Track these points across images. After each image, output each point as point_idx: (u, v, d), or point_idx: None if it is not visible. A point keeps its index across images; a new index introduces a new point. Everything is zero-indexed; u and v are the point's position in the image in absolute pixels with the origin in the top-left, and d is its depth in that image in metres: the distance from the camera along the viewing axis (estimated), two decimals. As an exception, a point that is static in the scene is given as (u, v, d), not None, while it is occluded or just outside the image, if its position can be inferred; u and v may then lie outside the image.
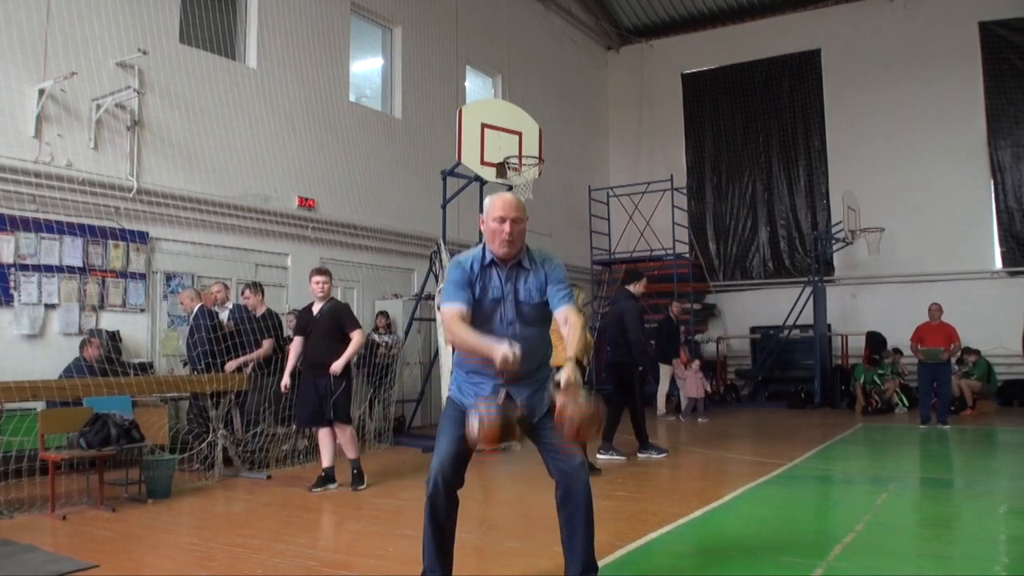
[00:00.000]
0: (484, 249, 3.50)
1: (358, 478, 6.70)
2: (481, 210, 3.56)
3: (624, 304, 8.28)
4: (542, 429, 3.48)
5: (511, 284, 3.45)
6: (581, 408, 3.15)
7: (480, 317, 3.44)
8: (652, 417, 10.80)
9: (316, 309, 6.88)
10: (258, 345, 7.91)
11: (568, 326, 3.40)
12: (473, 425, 3.18)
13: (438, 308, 9.31)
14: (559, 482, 3.46)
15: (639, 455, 8.13)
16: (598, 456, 8.00)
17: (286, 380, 7.02)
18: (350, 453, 6.77)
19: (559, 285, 3.47)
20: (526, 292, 3.46)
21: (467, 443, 3.34)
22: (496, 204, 3.42)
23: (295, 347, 6.96)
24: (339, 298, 11.14)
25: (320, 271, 6.97)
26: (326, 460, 6.76)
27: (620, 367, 8.16)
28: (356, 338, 6.76)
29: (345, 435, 6.76)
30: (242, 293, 8.39)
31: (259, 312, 8.12)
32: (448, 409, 3.55)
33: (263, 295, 8.33)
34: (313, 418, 6.77)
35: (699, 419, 12.32)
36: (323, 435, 6.79)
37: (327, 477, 6.73)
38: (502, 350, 3.16)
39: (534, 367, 3.50)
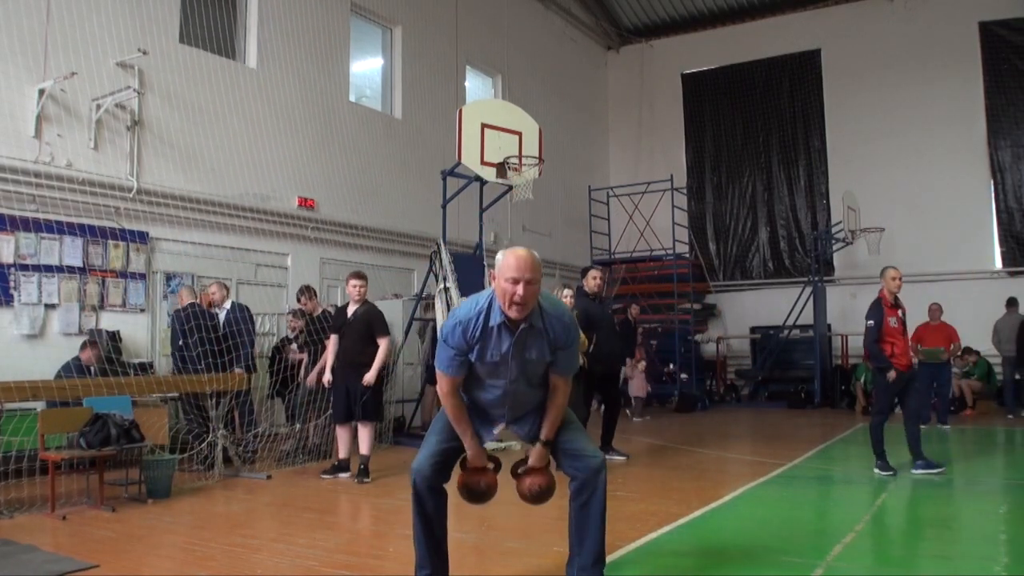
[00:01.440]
0: (492, 306, 3.29)
1: (364, 472, 6.96)
2: (490, 265, 3.53)
3: (580, 303, 7.83)
4: (556, 441, 3.54)
5: (518, 348, 3.32)
6: (540, 483, 3.52)
7: (481, 373, 3.41)
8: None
9: (351, 311, 7.20)
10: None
11: (552, 401, 3.48)
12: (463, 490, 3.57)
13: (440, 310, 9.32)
14: (576, 476, 3.47)
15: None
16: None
17: (327, 376, 7.27)
18: (364, 449, 7.06)
19: (567, 351, 3.41)
20: (535, 352, 3.36)
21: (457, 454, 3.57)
22: (510, 263, 3.17)
23: (332, 344, 7.30)
24: (340, 298, 11.20)
25: (357, 275, 7.28)
26: (343, 452, 7.19)
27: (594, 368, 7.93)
28: (383, 345, 7.10)
29: (365, 432, 7.06)
30: (298, 300, 8.70)
31: (316, 313, 8.37)
32: (441, 417, 3.57)
33: (316, 297, 8.68)
34: (342, 415, 7.12)
35: (634, 418, 12.47)
36: (345, 430, 7.16)
37: (340, 466, 7.13)
38: (478, 461, 3.49)
39: (533, 410, 3.59)
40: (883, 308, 7.15)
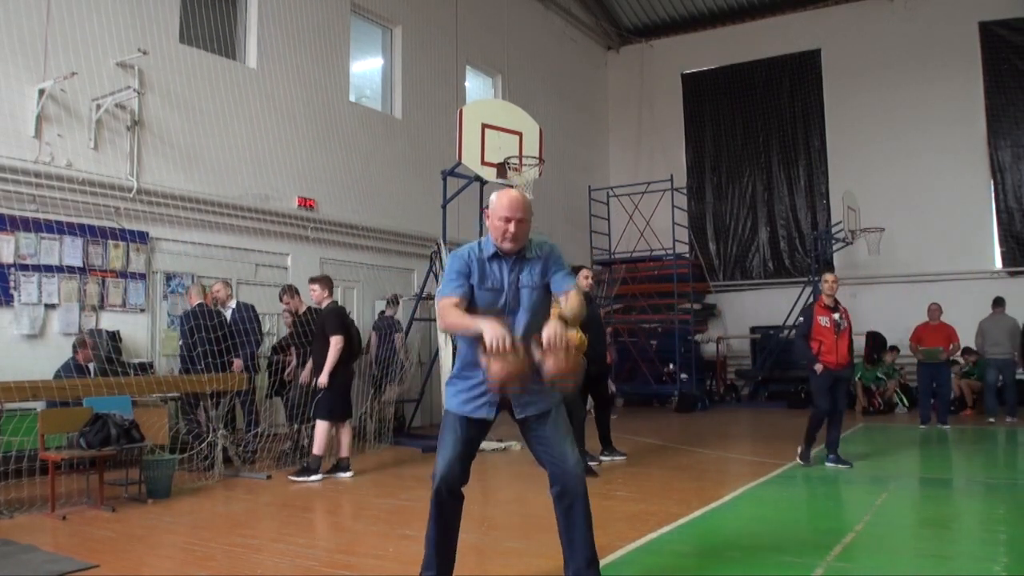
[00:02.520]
0: (486, 241, 3.54)
1: (304, 471, 7.13)
2: (484, 205, 3.56)
3: None
4: (539, 427, 3.48)
5: (514, 274, 3.49)
6: (560, 362, 3.20)
7: (480, 306, 3.46)
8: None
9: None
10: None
11: (566, 298, 3.48)
12: (493, 368, 3.15)
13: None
14: (555, 478, 3.46)
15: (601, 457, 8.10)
16: (600, 459, 8.00)
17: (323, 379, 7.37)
18: (314, 448, 7.23)
19: (561, 269, 3.55)
20: (528, 277, 3.50)
21: (472, 444, 3.45)
22: (502, 203, 3.43)
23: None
24: (340, 298, 11.21)
25: (312, 279, 7.62)
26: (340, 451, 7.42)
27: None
28: (332, 343, 7.20)
29: (316, 431, 7.26)
30: (280, 299, 8.73)
31: (301, 311, 8.40)
32: (447, 419, 3.54)
33: (298, 295, 8.70)
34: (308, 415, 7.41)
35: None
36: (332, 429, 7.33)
37: (307, 467, 7.24)
38: (492, 331, 3.13)
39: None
40: (815, 309, 7.84)
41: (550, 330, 3.23)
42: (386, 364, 9.77)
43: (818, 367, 7.55)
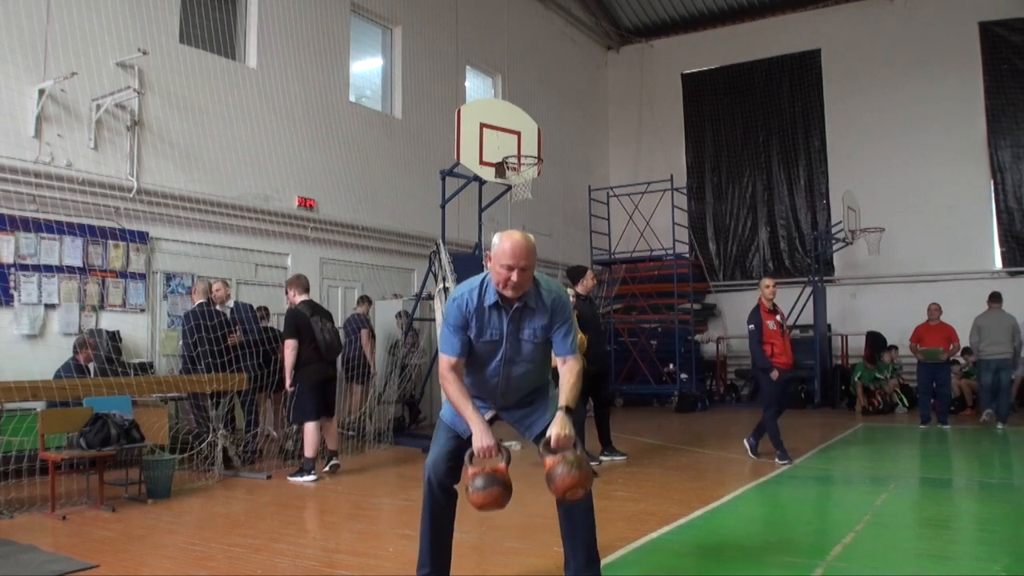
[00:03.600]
0: (487, 286, 3.32)
1: (300, 472, 7.16)
2: (486, 248, 3.27)
3: (578, 307, 7.97)
4: (543, 436, 3.47)
5: (514, 325, 3.33)
6: (571, 473, 3.07)
7: (476, 355, 3.39)
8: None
9: None
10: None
11: (565, 370, 3.36)
12: (475, 496, 3.14)
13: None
14: None
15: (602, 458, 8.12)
16: (600, 459, 8.00)
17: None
18: (304, 449, 7.30)
19: (565, 324, 3.39)
20: (530, 332, 3.35)
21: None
22: (505, 250, 3.18)
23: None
24: (340, 298, 11.22)
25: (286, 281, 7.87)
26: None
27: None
28: (284, 347, 7.37)
29: (303, 433, 7.36)
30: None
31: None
32: (442, 422, 3.56)
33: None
34: None
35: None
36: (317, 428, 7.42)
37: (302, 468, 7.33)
38: (484, 441, 3.18)
39: (525, 397, 3.53)
40: (761, 313, 7.97)
41: (558, 428, 3.14)
42: (352, 363, 9.74)
43: (774, 373, 7.83)
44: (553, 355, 3.49)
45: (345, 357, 9.63)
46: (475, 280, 3.39)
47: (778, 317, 8.08)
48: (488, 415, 3.49)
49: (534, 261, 3.25)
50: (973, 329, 11.15)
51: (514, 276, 3.19)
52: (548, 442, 3.17)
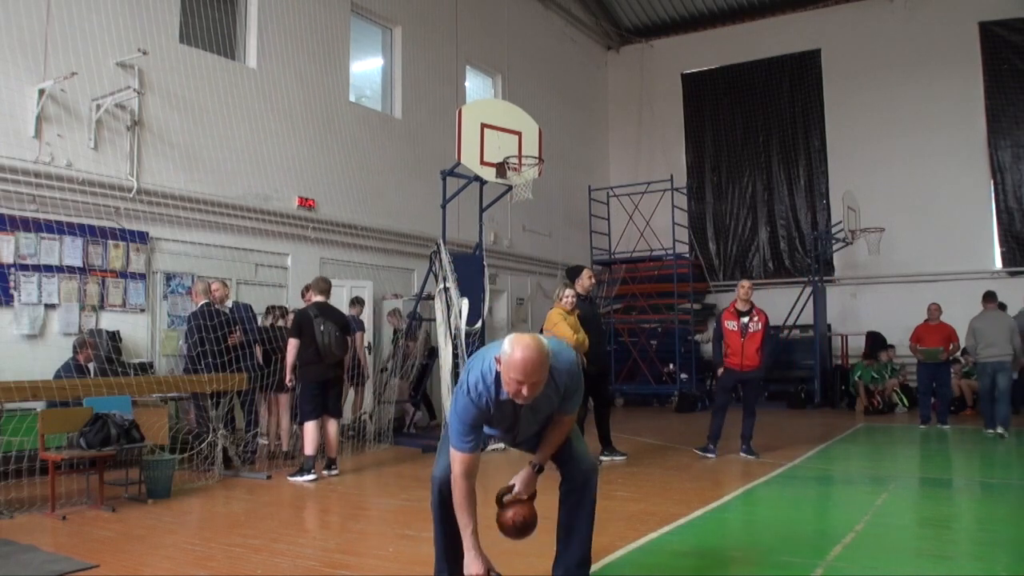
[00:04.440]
0: (498, 384, 3.26)
1: (300, 471, 7.19)
2: (497, 355, 3.19)
3: (579, 307, 7.86)
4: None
5: (526, 407, 3.33)
6: (523, 514, 3.38)
7: (491, 432, 3.55)
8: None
9: None
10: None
11: (554, 429, 3.45)
12: None
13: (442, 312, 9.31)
14: (568, 476, 3.50)
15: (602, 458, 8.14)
16: (600, 459, 7.99)
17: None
18: (304, 448, 7.36)
19: (575, 395, 3.42)
20: (547, 404, 3.36)
21: None
22: (516, 364, 3.07)
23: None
24: (341, 298, 11.21)
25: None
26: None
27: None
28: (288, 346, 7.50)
29: (303, 432, 7.44)
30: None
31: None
32: (453, 422, 3.53)
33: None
34: None
35: None
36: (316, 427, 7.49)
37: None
38: (473, 568, 3.28)
39: (538, 432, 3.57)
40: (723, 314, 8.42)
41: (522, 483, 3.42)
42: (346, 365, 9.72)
43: (720, 370, 8.39)
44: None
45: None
46: (487, 371, 3.28)
47: (745, 320, 8.13)
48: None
49: (546, 374, 3.15)
50: (969, 332, 10.39)
51: (525, 391, 3.12)
52: (510, 489, 3.44)
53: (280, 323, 8.75)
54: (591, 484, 3.47)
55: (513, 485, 3.45)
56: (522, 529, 3.41)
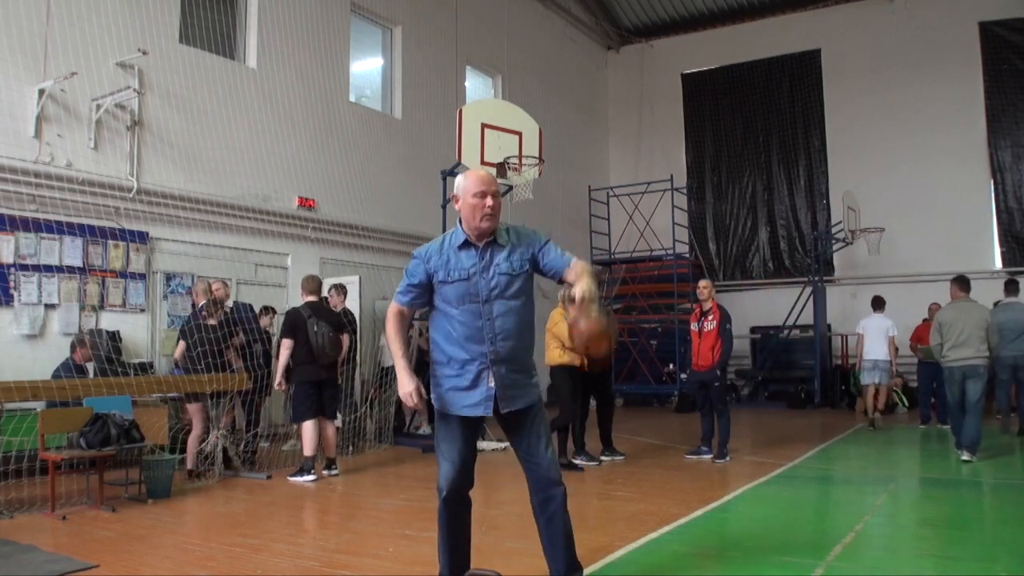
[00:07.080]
0: (453, 233, 3.41)
1: (300, 471, 7.16)
2: (448, 197, 3.47)
3: None
4: (519, 428, 3.43)
5: (484, 261, 3.33)
6: (593, 323, 3.19)
7: (452, 300, 3.35)
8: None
9: None
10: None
11: (574, 273, 3.31)
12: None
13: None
14: (535, 487, 3.45)
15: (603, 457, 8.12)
16: (601, 458, 8.00)
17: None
18: (303, 449, 7.34)
19: (548, 247, 3.40)
20: (506, 263, 3.33)
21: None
22: (473, 180, 3.34)
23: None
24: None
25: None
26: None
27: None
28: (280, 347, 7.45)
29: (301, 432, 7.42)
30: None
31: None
32: (439, 420, 3.51)
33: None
34: None
35: None
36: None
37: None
38: (408, 387, 3.32)
39: (516, 348, 3.38)
40: (690, 317, 8.56)
41: (583, 286, 3.19)
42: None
43: (683, 375, 8.01)
44: (565, 275, 3.36)
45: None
46: (443, 236, 3.50)
47: (703, 320, 8.21)
48: (488, 384, 3.35)
49: (499, 189, 3.41)
50: (934, 327, 8.27)
51: (488, 201, 3.29)
52: (573, 297, 3.25)
53: (269, 326, 8.77)
54: (558, 493, 3.40)
55: (573, 295, 3.27)
56: (597, 338, 3.26)
